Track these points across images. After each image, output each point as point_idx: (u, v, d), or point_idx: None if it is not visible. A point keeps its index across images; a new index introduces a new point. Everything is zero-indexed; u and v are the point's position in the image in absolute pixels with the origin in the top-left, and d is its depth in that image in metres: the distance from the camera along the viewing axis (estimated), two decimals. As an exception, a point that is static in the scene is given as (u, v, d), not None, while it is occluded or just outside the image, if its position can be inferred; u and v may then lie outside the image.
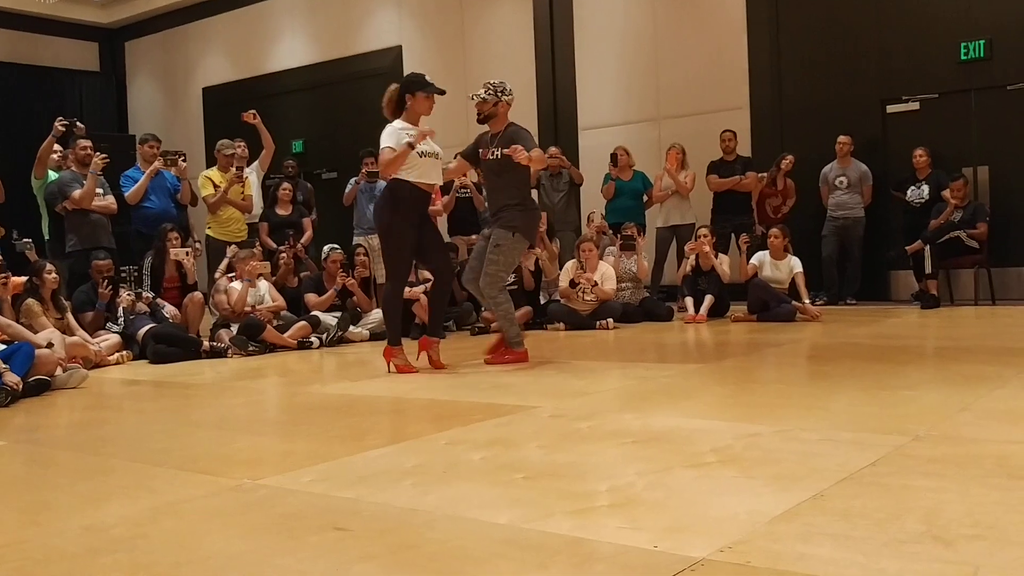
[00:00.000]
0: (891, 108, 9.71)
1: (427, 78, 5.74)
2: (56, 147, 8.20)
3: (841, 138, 9.45)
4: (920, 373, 4.94)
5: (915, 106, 9.57)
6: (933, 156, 9.12)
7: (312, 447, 3.62)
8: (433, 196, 9.51)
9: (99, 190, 7.95)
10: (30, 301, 6.31)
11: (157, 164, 8.39)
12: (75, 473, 3.45)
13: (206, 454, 3.60)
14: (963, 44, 9.17)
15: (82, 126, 8.16)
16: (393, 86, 5.78)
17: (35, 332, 5.98)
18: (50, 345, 5.85)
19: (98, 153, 7.84)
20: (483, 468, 3.07)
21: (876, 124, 9.77)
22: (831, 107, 9.83)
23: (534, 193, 10.07)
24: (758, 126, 10.28)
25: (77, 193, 7.73)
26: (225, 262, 8.19)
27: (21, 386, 5.16)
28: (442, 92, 5.73)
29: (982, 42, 9.09)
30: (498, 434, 3.65)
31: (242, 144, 9.42)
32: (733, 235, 9.11)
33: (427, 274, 8.39)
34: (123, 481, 3.22)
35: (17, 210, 8.57)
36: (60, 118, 8.03)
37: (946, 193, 8.85)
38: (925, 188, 9.09)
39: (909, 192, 9.20)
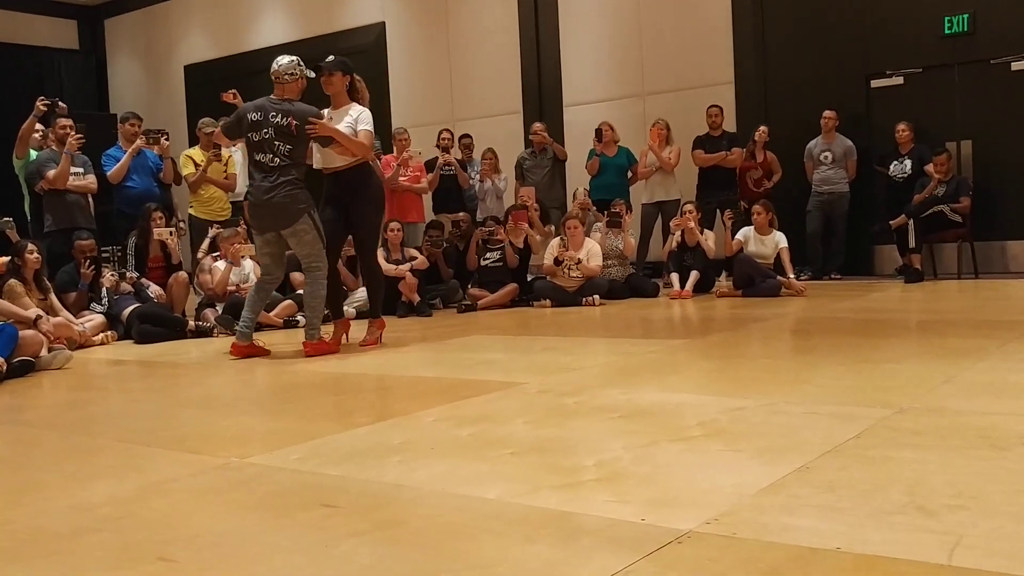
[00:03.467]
0: (875, 83, 9.72)
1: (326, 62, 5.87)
2: (38, 126, 8.12)
3: (826, 113, 9.46)
4: (904, 346, 4.97)
5: (899, 81, 9.58)
6: (917, 130, 9.14)
7: (299, 425, 3.62)
8: (417, 173, 9.52)
9: (79, 169, 7.87)
10: (12, 281, 6.25)
11: (139, 143, 8.32)
12: (61, 453, 3.44)
13: (193, 433, 3.60)
14: (947, 18, 9.18)
15: (64, 106, 8.06)
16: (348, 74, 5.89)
17: (19, 313, 5.95)
18: (39, 318, 5.83)
19: (73, 133, 7.75)
20: (470, 444, 3.08)
21: (860, 99, 9.78)
22: (816, 82, 9.84)
23: (512, 171, 10.11)
24: (743, 101, 10.28)
25: (51, 173, 7.66)
26: (207, 242, 8.15)
27: (5, 367, 5.15)
28: (316, 72, 5.82)
29: (965, 16, 9.10)
30: (485, 410, 3.66)
31: (227, 123, 9.33)
32: (719, 211, 9.11)
33: (413, 251, 8.41)
34: (110, 461, 3.22)
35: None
36: (42, 98, 7.94)
37: (929, 167, 8.87)
38: (907, 163, 9.12)
39: (892, 167, 9.22)
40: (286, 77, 5.64)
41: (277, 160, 5.54)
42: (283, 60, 5.71)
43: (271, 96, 5.68)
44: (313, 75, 5.77)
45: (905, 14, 9.38)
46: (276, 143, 5.53)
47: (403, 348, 5.89)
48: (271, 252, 5.79)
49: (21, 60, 15.06)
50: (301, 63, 5.74)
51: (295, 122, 5.51)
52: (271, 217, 5.60)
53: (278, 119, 5.54)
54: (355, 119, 5.74)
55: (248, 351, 5.75)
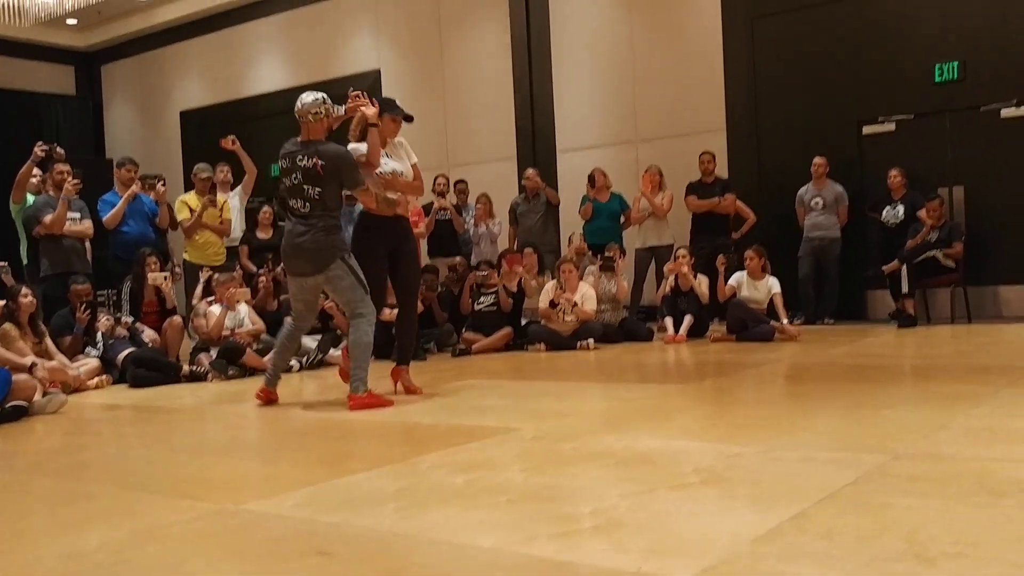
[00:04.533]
0: (867, 129, 9.82)
1: (396, 103, 5.69)
2: (36, 171, 8.16)
3: (816, 160, 9.54)
4: (899, 392, 4.97)
5: (891, 127, 9.69)
6: (909, 176, 9.22)
7: (294, 471, 3.61)
8: (415, 218, 9.49)
9: (76, 214, 7.90)
10: (7, 325, 6.25)
11: (135, 188, 8.36)
12: (54, 499, 3.41)
13: (187, 478, 3.58)
14: (937, 66, 9.31)
15: (62, 151, 8.12)
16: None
17: (12, 358, 5.93)
18: (34, 365, 5.81)
19: (70, 179, 7.78)
20: (466, 491, 3.07)
21: (852, 145, 9.88)
22: (807, 128, 9.94)
23: (507, 216, 10.17)
24: (735, 148, 10.38)
25: (48, 218, 7.68)
26: (200, 287, 8.14)
27: (-2, 412, 5.12)
28: (409, 119, 5.66)
29: (955, 64, 9.23)
30: (480, 457, 3.64)
31: (225, 168, 9.42)
32: (712, 255, 9.15)
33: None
34: (103, 506, 3.19)
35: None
36: (40, 143, 8.00)
37: (922, 213, 8.94)
38: (900, 208, 9.19)
39: (884, 212, 9.29)
40: (310, 117, 5.25)
41: (308, 205, 5.20)
42: (307, 98, 5.29)
43: (296, 138, 5.35)
44: (341, 111, 5.51)
45: (896, 61, 9.51)
46: (305, 187, 5.18)
47: (398, 393, 5.87)
48: (305, 299, 5.49)
49: (19, 105, 15.17)
50: (327, 100, 5.34)
51: (321, 163, 5.15)
52: (303, 260, 5.26)
53: (304, 162, 5.19)
54: (409, 152, 5.60)
55: (271, 396, 5.56)
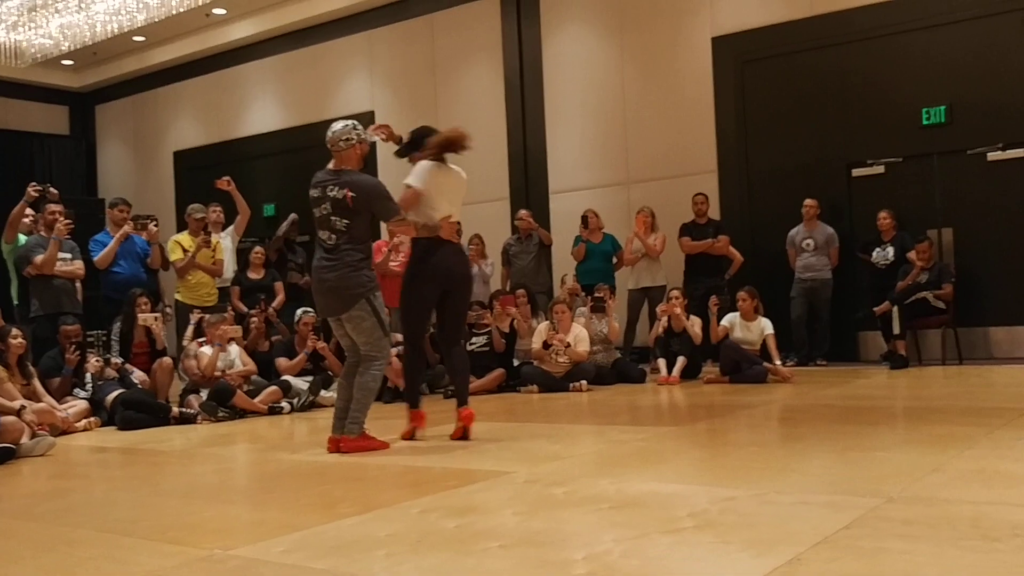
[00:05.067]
0: (856, 172, 9.90)
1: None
2: (28, 211, 8.16)
3: (807, 201, 9.61)
4: (891, 434, 4.96)
5: (880, 170, 9.77)
6: (898, 218, 9.28)
7: (284, 516, 3.57)
8: (404, 258, 9.40)
9: (67, 255, 7.88)
10: (-5, 367, 6.21)
11: (127, 228, 8.36)
12: (39, 545, 3.36)
13: (175, 523, 3.53)
14: (924, 110, 9.42)
15: (55, 192, 8.13)
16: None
17: None
18: (23, 408, 5.76)
19: (62, 219, 7.77)
20: (458, 536, 3.04)
21: (841, 187, 9.95)
22: (797, 171, 10.03)
23: (499, 256, 10.19)
24: (726, 190, 10.44)
25: (39, 258, 7.66)
26: (191, 328, 8.11)
27: (-15, 455, 5.07)
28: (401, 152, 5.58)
29: (943, 108, 9.33)
30: (472, 501, 3.61)
31: (218, 209, 9.44)
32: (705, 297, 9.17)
33: (398, 336, 8.39)
34: (89, 552, 3.15)
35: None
36: (33, 183, 8.00)
37: (912, 255, 8.99)
38: (890, 250, 9.24)
39: (875, 254, 9.33)
40: (341, 144, 5.09)
41: (334, 238, 5.01)
42: (337, 126, 5.16)
43: (327, 167, 5.18)
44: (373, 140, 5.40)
45: (884, 105, 9.61)
46: (333, 219, 5.00)
47: (389, 435, 5.83)
48: (345, 333, 5.23)
49: (12, 145, 15.22)
50: (358, 126, 5.18)
51: (351, 194, 4.97)
52: (331, 298, 5.08)
53: (334, 192, 5.00)
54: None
55: (364, 445, 5.08)
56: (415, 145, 5.53)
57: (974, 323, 9.21)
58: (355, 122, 5.22)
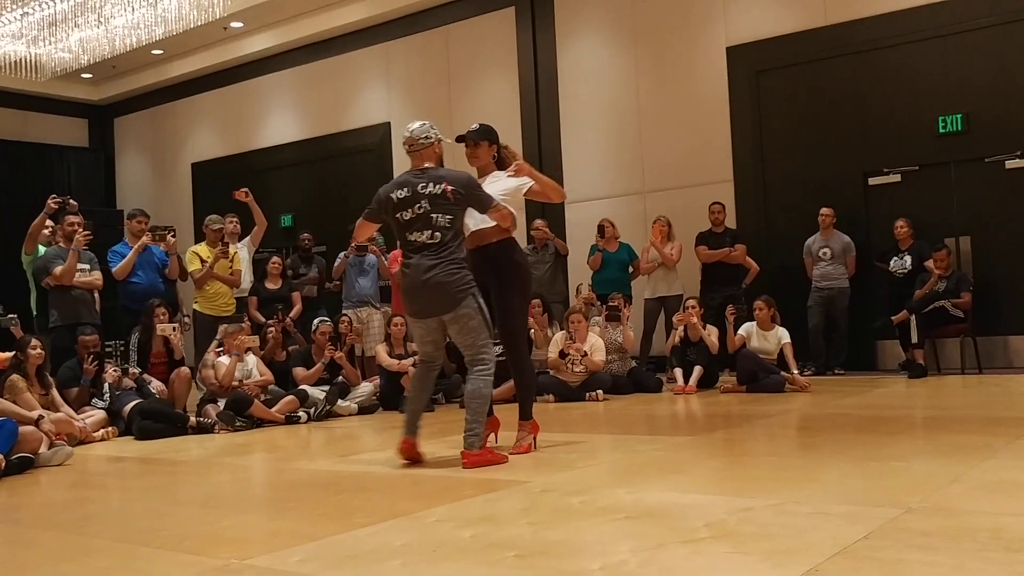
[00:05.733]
0: (873, 180, 9.87)
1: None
2: (48, 223, 8.23)
3: (823, 210, 9.58)
4: (910, 444, 4.92)
5: (896, 178, 9.73)
6: (916, 227, 9.24)
7: (300, 525, 3.57)
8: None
9: (85, 265, 7.94)
10: (14, 377, 6.25)
11: (145, 239, 8.41)
12: (57, 554, 3.38)
13: (192, 533, 3.54)
14: (941, 118, 9.38)
15: (75, 203, 8.19)
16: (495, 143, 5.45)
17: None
18: (41, 418, 5.79)
19: (81, 230, 7.83)
20: (473, 546, 3.03)
21: (858, 196, 9.92)
22: (814, 180, 9.99)
23: None
24: (742, 199, 10.42)
25: (58, 269, 7.72)
26: (215, 342, 8.13)
27: (4, 464, 5.10)
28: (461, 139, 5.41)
29: (959, 116, 9.29)
30: (488, 510, 3.61)
31: (234, 220, 9.49)
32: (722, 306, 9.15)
33: (416, 346, 8.39)
34: (107, 562, 3.16)
35: (7, 285, 8.55)
36: (53, 195, 8.07)
37: (929, 263, 8.94)
38: (907, 259, 9.19)
39: (892, 263, 9.29)
40: (422, 141, 4.98)
41: (438, 235, 4.81)
42: (414, 125, 5.07)
43: (410, 170, 5.01)
44: (451, 142, 5.29)
45: (900, 114, 9.58)
46: (433, 216, 4.82)
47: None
48: (433, 340, 5.03)
49: (32, 157, 15.38)
50: (434, 126, 5.11)
51: (450, 188, 4.83)
52: (431, 298, 4.84)
53: (430, 188, 4.84)
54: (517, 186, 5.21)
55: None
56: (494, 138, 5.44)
57: (993, 332, 9.14)
58: (430, 122, 5.14)
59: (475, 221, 5.11)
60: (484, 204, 4.95)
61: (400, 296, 5.06)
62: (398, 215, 4.89)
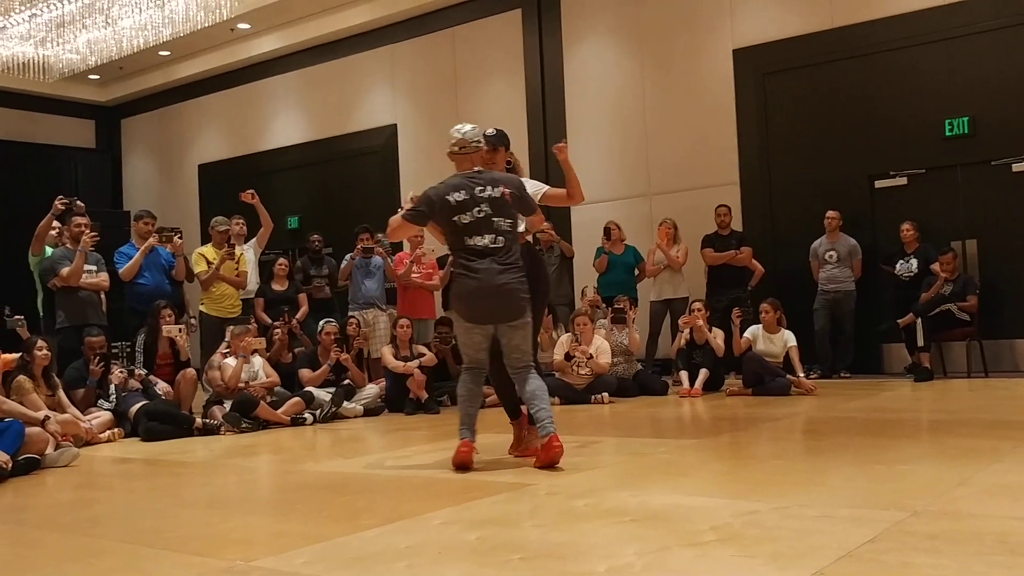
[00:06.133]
0: (879, 183, 9.85)
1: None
2: (55, 224, 8.25)
3: (829, 213, 9.56)
4: (916, 447, 4.92)
5: (902, 181, 9.71)
6: (922, 230, 9.22)
7: (306, 527, 3.58)
8: (430, 270, 9.22)
9: (92, 267, 7.95)
10: (21, 378, 6.27)
11: (152, 241, 8.42)
12: (62, 555, 3.39)
13: (198, 534, 3.55)
14: (947, 121, 9.36)
15: (82, 204, 8.20)
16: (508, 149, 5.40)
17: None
18: (47, 419, 5.81)
19: (88, 231, 7.85)
20: (478, 549, 3.03)
21: (864, 199, 9.90)
22: (819, 183, 9.97)
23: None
24: (748, 201, 10.41)
25: (65, 270, 7.73)
26: (224, 343, 8.14)
27: (11, 465, 5.11)
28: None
29: (966, 119, 9.27)
30: (493, 513, 3.61)
31: (240, 221, 9.50)
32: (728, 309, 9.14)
33: (422, 348, 8.41)
34: (112, 563, 3.17)
35: (14, 286, 8.57)
36: (61, 197, 8.08)
37: (936, 266, 8.93)
38: (913, 262, 9.17)
39: (898, 266, 9.27)
40: (475, 144, 4.95)
41: (501, 239, 4.70)
42: (465, 127, 5.02)
43: (462, 172, 4.91)
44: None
45: (906, 117, 9.56)
46: (495, 220, 4.70)
47: (411, 446, 5.85)
48: (488, 347, 4.85)
49: (39, 158, 15.41)
50: (478, 128, 5.08)
51: (507, 191, 4.75)
52: (502, 303, 4.69)
53: (489, 191, 4.74)
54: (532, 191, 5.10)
55: (470, 450, 4.76)
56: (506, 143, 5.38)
57: (999, 335, 9.12)
58: (474, 124, 5.11)
59: None
60: (531, 208, 4.93)
61: (456, 301, 4.88)
62: (455, 218, 4.74)
